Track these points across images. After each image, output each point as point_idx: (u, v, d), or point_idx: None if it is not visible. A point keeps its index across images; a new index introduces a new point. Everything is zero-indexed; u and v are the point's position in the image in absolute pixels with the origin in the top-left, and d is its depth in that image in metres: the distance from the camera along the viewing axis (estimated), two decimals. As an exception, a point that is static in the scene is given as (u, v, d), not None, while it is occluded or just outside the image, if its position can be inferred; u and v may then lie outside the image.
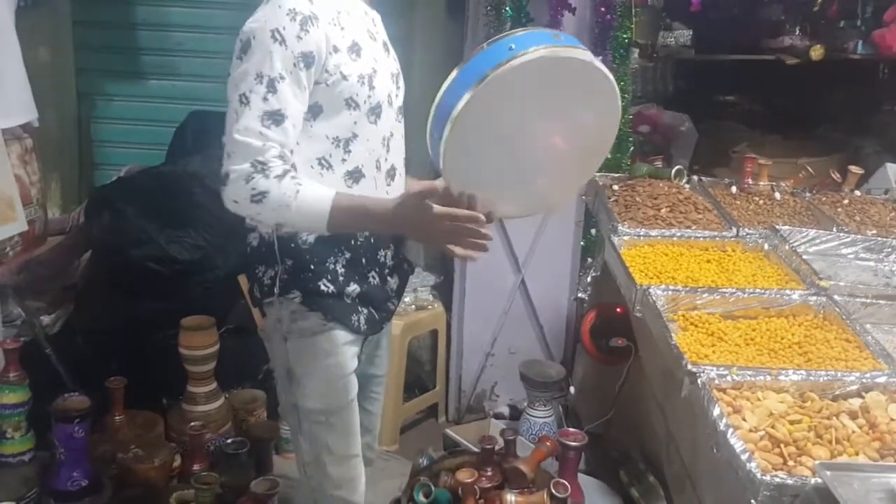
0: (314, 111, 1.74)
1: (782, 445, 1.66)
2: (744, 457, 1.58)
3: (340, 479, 1.92)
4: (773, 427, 1.70)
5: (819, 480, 1.47)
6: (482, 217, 1.70)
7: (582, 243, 3.37)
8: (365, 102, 1.79)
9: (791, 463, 1.62)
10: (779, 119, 4.78)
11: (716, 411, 1.71)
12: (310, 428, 1.88)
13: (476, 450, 2.69)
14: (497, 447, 2.35)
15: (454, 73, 1.68)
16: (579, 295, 3.42)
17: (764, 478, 1.52)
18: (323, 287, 1.81)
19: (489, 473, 2.30)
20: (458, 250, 1.73)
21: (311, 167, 1.77)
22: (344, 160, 1.80)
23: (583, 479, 2.53)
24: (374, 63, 1.82)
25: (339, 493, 1.93)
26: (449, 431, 2.97)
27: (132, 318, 2.96)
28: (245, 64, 1.66)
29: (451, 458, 2.49)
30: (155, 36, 3.75)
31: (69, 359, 3.02)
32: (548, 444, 2.42)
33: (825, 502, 1.43)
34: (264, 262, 1.84)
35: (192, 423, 2.68)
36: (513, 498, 2.24)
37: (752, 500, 1.53)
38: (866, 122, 4.29)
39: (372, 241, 1.88)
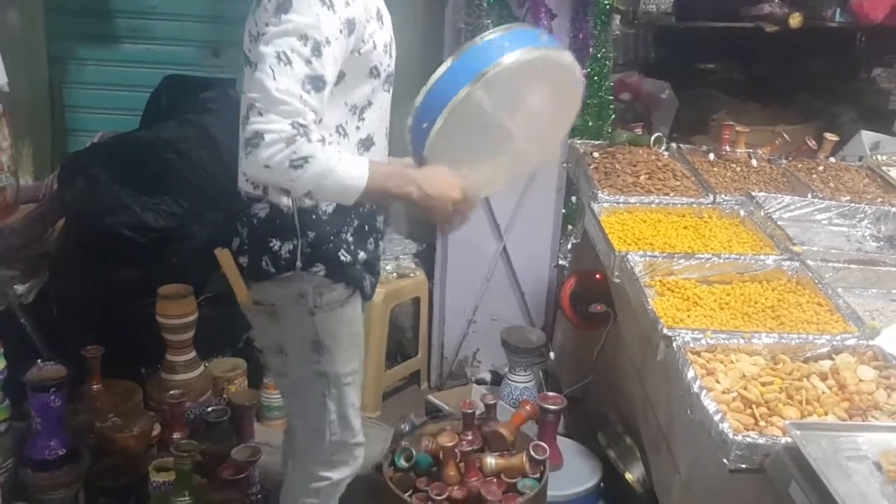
0: (337, 78, 1.70)
1: (754, 406, 1.69)
2: (716, 417, 1.61)
3: (358, 428, 2.03)
4: (745, 389, 1.73)
5: (789, 439, 1.50)
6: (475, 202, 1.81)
7: (563, 211, 3.38)
8: (384, 71, 1.81)
9: (762, 423, 1.65)
10: (758, 87, 4.80)
11: (690, 374, 1.74)
12: (338, 391, 1.95)
13: (457, 415, 2.72)
14: (478, 412, 2.37)
15: (449, 64, 1.72)
16: (560, 262, 3.44)
17: (736, 437, 1.55)
18: (342, 257, 1.85)
19: (470, 437, 2.32)
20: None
21: (329, 135, 1.73)
22: (358, 128, 1.81)
23: (562, 441, 2.57)
24: (390, 31, 1.84)
25: (357, 440, 2.03)
26: (431, 397, 2.99)
27: (108, 287, 2.93)
28: (286, 23, 1.60)
29: (432, 423, 2.51)
30: (128, -2, 3.68)
31: (44, 328, 3.00)
32: (527, 407, 2.45)
33: (794, 460, 1.46)
34: (278, 235, 1.81)
35: (172, 392, 2.68)
36: (493, 460, 2.28)
37: (724, 460, 1.56)
38: (843, 89, 4.32)
39: (374, 207, 1.91)
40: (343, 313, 1.89)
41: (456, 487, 2.21)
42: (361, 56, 1.73)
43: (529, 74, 1.75)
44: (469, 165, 1.80)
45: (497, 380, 3.32)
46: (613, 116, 3.40)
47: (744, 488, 1.63)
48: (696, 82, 4.84)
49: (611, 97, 3.41)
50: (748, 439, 1.55)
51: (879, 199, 2.65)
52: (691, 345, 1.85)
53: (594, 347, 2.76)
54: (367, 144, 1.85)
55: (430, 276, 3.37)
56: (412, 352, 3.46)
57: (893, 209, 2.54)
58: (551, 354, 3.05)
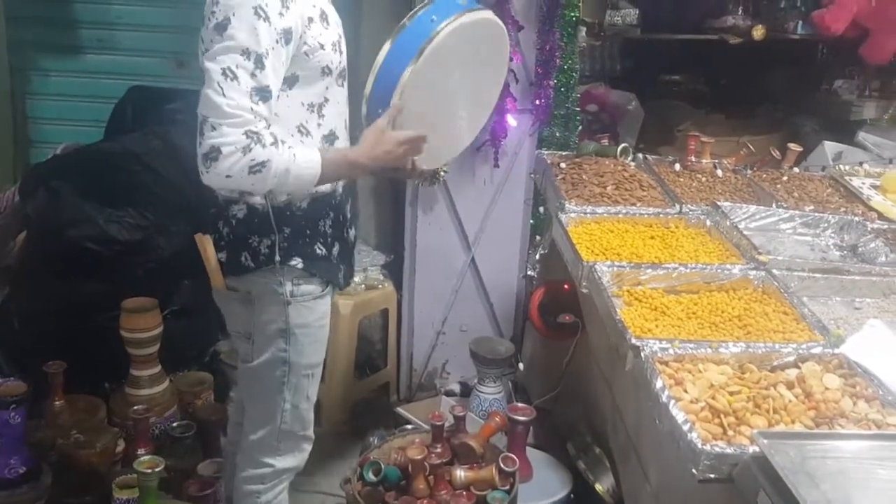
0: (290, 81, 1.81)
1: (722, 416, 1.69)
2: (685, 427, 1.61)
3: (309, 421, 2.10)
4: (713, 398, 1.74)
5: (757, 449, 1.51)
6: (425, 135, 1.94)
7: (531, 222, 3.39)
8: (336, 68, 1.91)
9: (731, 433, 1.65)
10: (722, 98, 4.87)
11: (658, 383, 1.74)
12: (297, 381, 2.02)
13: (426, 427, 2.70)
14: (447, 424, 2.36)
15: (387, 49, 1.91)
16: (528, 273, 3.44)
17: (704, 447, 1.55)
18: (318, 251, 1.96)
19: (439, 450, 2.30)
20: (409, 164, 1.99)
21: (292, 136, 1.85)
22: (319, 125, 1.90)
23: (531, 452, 2.57)
24: (338, 28, 1.94)
25: (306, 433, 2.10)
26: (400, 410, 2.97)
27: (71, 301, 2.89)
28: (227, 39, 1.68)
29: (400, 435, 2.49)
30: (92, 9, 3.63)
31: (5, 343, 2.94)
32: (497, 419, 2.43)
33: (762, 470, 1.46)
34: (257, 233, 1.90)
35: (136, 407, 2.63)
36: (462, 473, 2.25)
37: (693, 470, 1.56)
38: (806, 101, 4.39)
39: (344, 196, 2.02)
40: (315, 306, 1.99)
41: (425, 501, 2.19)
42: (311, 58, 1.83)
43: (460, 38, 1.93)
44: (428, 135, 1.95)
45: (466, 391, 3.31)
46: (580, 128, 3.43)
47: (713, 498, 1.63)
48: (662, 93, 4.90)
49: (577, 108, 3.43)
50: (717, 449, 1.55)
51: (843, 209, 2.69)
52: (659, 354, 1.85)
53: (563, 358, 2.76)
54: (330, 139, 1.95)
55: (398, 287, 3.36)
56: (381, 364, 3.44)
57: (856, 218, 2.57)
58: (520, 365, 3.05)
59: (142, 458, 2.09)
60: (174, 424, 2.73)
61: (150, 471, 2.02)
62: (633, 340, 1.89)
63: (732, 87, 4.91)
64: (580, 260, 2.24)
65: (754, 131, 4.09)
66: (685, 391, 1.76)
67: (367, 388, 3.38)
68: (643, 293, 2.15)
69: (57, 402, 2.68)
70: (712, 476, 1.55)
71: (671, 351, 1.87)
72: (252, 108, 1.68)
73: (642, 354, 1.85)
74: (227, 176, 1.68)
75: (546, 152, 3.05)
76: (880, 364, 1.84)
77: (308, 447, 2.12)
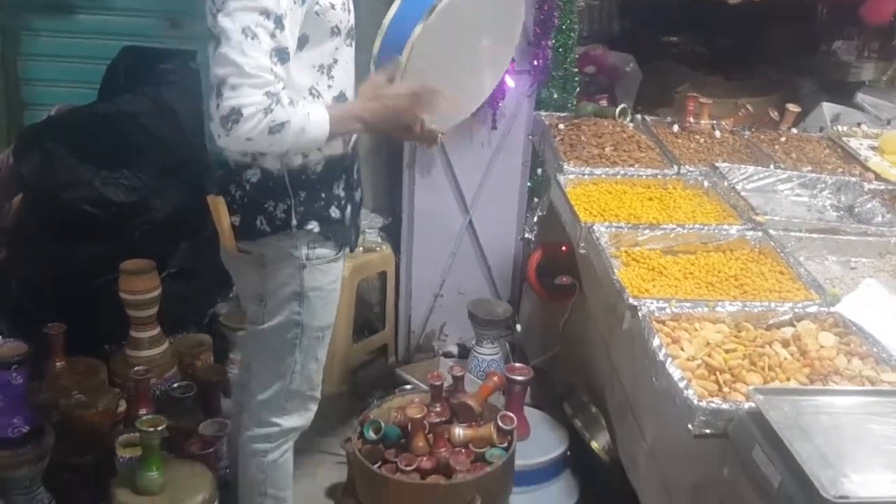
0: (301, 42, 1.79)
1: (718, 373, 1.72)
2: (681, 384, 1.63)
3: (316, 382, 2.13)
4: (709, 356, 1.76)
5: (752, 405, 1.53)
6: (435, 87, 1.88)
7: (529, 184, 3.38)
8: (345, 27, 1.89)
9: (726, 389, 1.68)
10: (720, 59, 4.83)
11: (655, 342, 1.76)
12: (308, 342, 2.04)
13: (424, 387, 2.73)
14: (446, 384, 2.38)
15: (397, 4, 1.89)
16: (526, 235, 3.45)
17: (700, 403, 1.57)
18: (333, 214, 1.97)
19: (438, 409, 2.33)
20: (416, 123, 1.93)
21: (304, 98, 1.82)
22: (329, 86, 1.89)
23: (528, 411, 2.59)
24: None
25: (312, 394, 2.13)
26: (398, 371, 2.99)
27: (69, 263, 2.89)
28: None
29: (400, 396, 2.51)
30: (83, -32, 3.58)
31: (3, 306, 2.94)
32: (495, 379, 2.45)
33: (757, 425, 1.48)
34: (272, 197, 1.90)
35: (137, 368, 2.65)
36: (461, 431, 2.28)
37: (689, 426, 1.59)
38: (804, 62, 4.37)
39: (352, 158, 2.03)
40: (329, 269, 2.00)
41: (425, 458, 2.22)
42: (321, 18, 1.80)
43: None
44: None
45: (464, 353, 3.33)
46: (578, 89, 3.41)
47: (708, 454, 1.66)
48: (660, 55, 4.85)
49: (575, 69, 3.41)
50: (712, 405, 1.57)
51: (840, 170, 2.69)
52: (656, 314, 1.87)
53: (560, 319, 2.78)
54: (340, 101, 1.93)
55: (396, 250, 3.36)
56: (379, 326, 3.46)
57: (853, 179, 2.58)
58: (518, 327, 3.07)
59: (144, 418, 2.11)
60: (174, 385, 2.75)
61: (152, 430, 2.04)
62: (631, 300, 1.90)
63: (731, 49, 4.87)
64: (578, 221, 2.24)
65: (753, 92, 4.07)
66: (682, 349, 1.78)
67: (366, 350, 3.40)
68: (640, 254, 2.16)
69: (58, 364, 2.69)
70: (708, 432, 1.58)
71: (668, 310, 1.89)
72: (272, 69, 1.65)
73: (639, 314, 1.86)
74: (248, 139, 1.67)
75: (544, 113, 3.04)
76: (875, 322, 1.86)
77: (314, 407, 2.15)
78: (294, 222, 1.91)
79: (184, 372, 2.92)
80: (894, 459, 1.38)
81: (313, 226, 1.94)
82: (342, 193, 2.01)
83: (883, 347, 1.77)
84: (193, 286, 3.13)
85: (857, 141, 2.94)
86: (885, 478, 1.33)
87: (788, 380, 1.71)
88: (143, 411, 2.60)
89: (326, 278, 2.01)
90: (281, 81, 1.68)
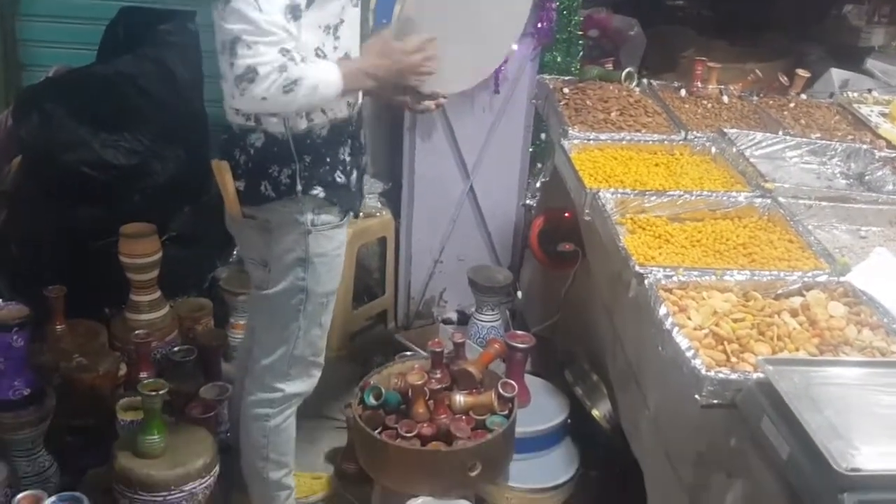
0: (308, 1, 1.74)
1: (726, 343, 1.70)
2: (688, 354, 1.61)
3: (320, 348, 2.13)
4: (717, 325, 1.73)
5: (761, 375, 1.52)
6: (434, 37, 1.85)
7: (530, 149, 3.34)
8: None
9: (734, 359, 1.66)
10: (726, 24, 4.75)
11: (662, 311, 1.74)
12: (313, 308, 2.02)
13: (424, 354, 2.72)
14: (446, 350, 2.37)
15: None
16: (527, 201, 3.42)
17: (708, 373, 1.55)
18: (338, 179, 1.95)
19: (438, 375, 2.32)
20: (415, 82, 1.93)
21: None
22: (335, 47, 1.85)
23: (529, 379, 2.59)
24: None
25: (317, 359, 2.13)
26: (398, 337, 2.98)
27: (68, 226, 2.87)
28: None
29: (400, 362, 2.50)
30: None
31: (2, 269, 2.92)
32: (496, 346, 2.45)
33: (766, 395, 1.47)
34: (277, 161, 1.88)
35: (137, 332, 2.63)
36: (461, 398, 2.28)
37: (697, 396, 1.57)
38: (812, 27, 4.30)
39: (358, 122, 2.00)
40: (334, 234, 1.99)
41: (425, 425, 2.22)
42: None
43: None
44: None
45: (464, 319, 3.32)
46: (581, 53, 3.35)
47: (712, 423, 1.64)
48: (664, 19, 4.78)
49: (580, 32, 3.35)
50: (720, 375, 1.55)
51: (850, 137, 2.65)
52: (663, 282, 1.84)
53: (562, 286, 2.76)
54: None
55: (396, 215, 3.33)
56: (378, 292, 3.44)
57: (864, 146, 2.54)
58: (518, 294, 3.05)
59: (145, 381, 2.10)
60: (175, 349, 2.74)
61: (154, 393, 2.03)
62: (637, 268, 1.88)
63: (737, 13, 4.79)
64: (583, 187, 2.21)
65: (759, 58, 4.00)
66: (689, 318, 1.76)
67: (365, 315, 3.39)
68: (647, 221, 2.13)
69: (58, 327, 2.68)
70: (715, 402, 1.56)
71: (675, 278, 1.86)
72: (285, 26, 1.64)
73: (646, 282, 1.84)
74: (263, 98, 1.65)
75: (548, 77, 2.99)
76: (886, 292, 1.83)
77: (317, 373, 2.15)
78: (299, 187, 1.89)
79: (184, 336, 2.91)
80: (906, 431, 1.36)
81: (318, 191, 1.92)
82: (348, 158, 1.98)
83: (894, 318, 1.75)
84: (193, 250, 3.11)
85: (868, 108, 2.89)
86: None
87: (797, 350, 1.69)
88: (143, 375, 2.59)
89: (331, 244, 1.99)
90: (294, 39, 1.65)
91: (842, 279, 1.89)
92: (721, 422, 1.62)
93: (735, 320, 1.76)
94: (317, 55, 1.82)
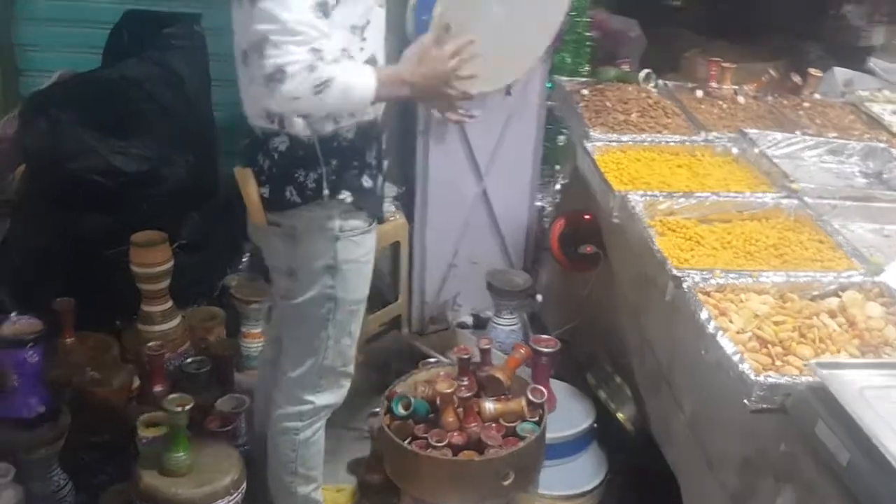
0: (336, 1, 1.71)
1: (769, 346, 1.68)
2: (735, 358, 1.59)
3: (350, 357, 2.08)
4: (759, 328, 1.72)
5: (813, 379, 1.50)
6: (473, 39, 1.79)
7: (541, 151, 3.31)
8: None
9: (778, 363, 1.64)
10: (725, 24, 4.75)
11: (703, 314, 1.72)
12: (342, 317, 1.98)
13: (446, 360, 2.69)
14: (473, 357, 2.33)
15: None
16: (538, 203, 3.40)
17: (758, 378, 1.54)
18: (366, 183, 1.90)
19: (466, 383, 2.29)
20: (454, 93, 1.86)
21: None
22: (362, 49, 1.80)
23: (554, 383, 2.56)
24: None
25: (346, 370, 2.08)
26: (416, 343, 2.95)
27: (75, 235, 2.81)
28: None
29: (425, 369, 2.47)
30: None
31: (7, 279, 2.86)
32: (522, 351, 2.42)
33: (821, 399, 1.45)
34: (303, 166, 1.84)
35: (151, 343, 2.57)
36: (491, 405, 2.25)
37: (745, 401, 1.55)
38: (811, 26, 4.31)
39: (382, 125, 1.96)
40: (363, 240, 1.95)
41: (456, 433, 2.18)
42: None
43: None
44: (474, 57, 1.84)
45: (479, 323, 3.29)
46: (590, 54, 3.34)
47: (762, 428, 1.63)
48: (663, 20, 4.77)
49: (588, 34, 3.34)
50: (770, 380, 1.54)
51: (866, 136, 2.65)
52: (701, 285, 1.83)
53: (581, 289, 2.74)
54: (371, 64, 1.85)
55: (409, 219, 3.29)
56: (391, 297, 3.40)
57: (881, 145, 2.54)
58: (538, 297, 3.03)
59: (171, 397, 2.05)
60: (188, 360, 2.68)
61: (180, 409, 1.98)
62: (675, 271, 1.86)
63: (736, 13, 4.80)
64: (611, 189, 2.19)
65: (759, 57, 4.01)
66: (730, 322, 1.75)
67: (379, 321, 3.33)
68: (676, 223, 2.12)
69: (68, 340, 2.62)
70: (764, 406, 1.55)
71: (713, 281, 1.84)
72: (314, 24, 1.60)
73: (684, 285, 1.82)
74: (294, 98, 1.61)
75: (565, 79, 2.97)
76: (922, 292, 1.83)
77: (347, 383, 2.11)
78: (326, 192, 1.85)
79: (196, 346, 2.86)
80: (971, 435, 1.35)
81: (346, 195, 1.88)
82: (374, 162, 1.94)
83: (932, 318, 1.74)
84: (203, 258, 3.06)
85: (880, 106, 2.90)
86: (960, 453, 1.31)
87: (839, 352, 1.68)
88: (158, 388, 2.54)
89: (360, 250, 1.96)
90: (324, 37, 1.62)
91: (876, 279, 1.88)
92: (770, 426, 1.61)
93: (776, 323, 1.75)
94: (343, 55, 1.77)
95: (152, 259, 2.67)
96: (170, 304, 2.78)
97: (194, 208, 2.98)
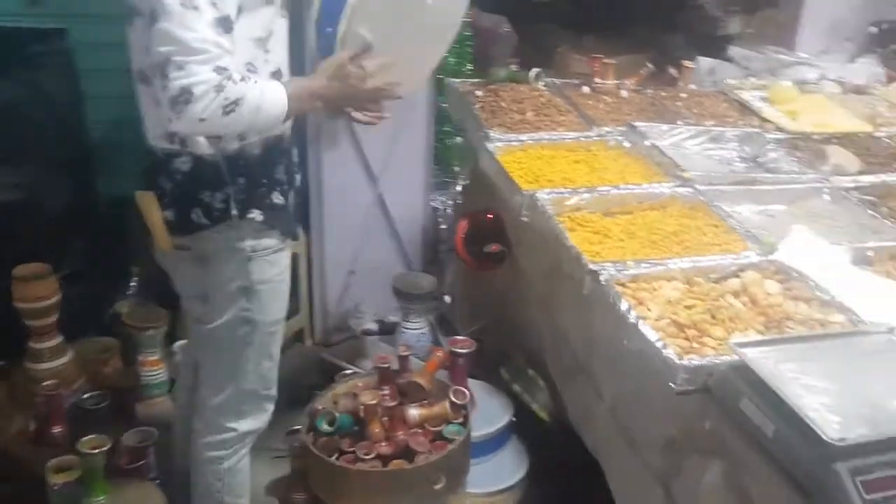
0: (238, 12, 1.65)
1: (686, 329, 1.76)
2: (658, 345, 1.66)
3: (272, 380, 2.04)
4: (675, 314, 1.80)
5: (730, 357, 1.59)
6: (393, 61, 1.80)
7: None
8: None
9: (696, 345, 1.73)
10: (591, 18, 4.92)
11: (623, 306, 1.79)
12: (261, 339, 1.94)
13: (362, 370, 2.66)
14: (393, 366, 2.33)
15: None
16: (432, 204, 3.42)
17: (682, 362, 1.61)
18: (276, 200, 1.85)
19: (387, 392, 2.28)
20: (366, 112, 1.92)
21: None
22: (266, 61, 1.75)
23: (470, 382, 2.58)
24: None
25: (268, 393, 2.04)
26: (324, 355, 2.90)
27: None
28: None
29: (343, 382, 2.44)
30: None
31: None
32: (439, 354, 2.43)
33: (743, 377, 1.54)
34: (209, 186, 1.78)
35: (46, 383, 2.41)
36: (415, 412, 2.25)
37: (672, 384, 1.62)
38: (673, 18, 4.53)
39: (291, 139, 1.92)
40: (277, 259, 1.91)
41: (383, 444, 2.17)
42: None
43: None
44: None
45: (385, 329, 3.27)
46: (471, 54, 3.38)
47: (685, 409, 1.71)
48: (530, 16, 4.88)
49: (469, 33, 3.37)
50: (693, 362, 1.61)
51: (741, 122, 2.83)
52: (617, 277, 1.89)
53: (487, 288, 2.78)
54: (277, 77, 1.81)
55: (306, 229, 3.23)
56: (292, 310, 3.32)
57: (755, 130, 2.71)
58: (446, 298, 3.05)
59: (84, 439, 1.93)
60: (85, 396, 2.54)
61: (96, 451, 1.87)
62: (591, 266, 1.92)
63: (600, 7, 4.97)
64: (519, 189, 2.23)
65: (625, 50, 4.18)
66: (648, 310, 1.82)
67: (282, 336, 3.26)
68: (583, 218, 2.18)
69: (-51, 388, 2.42)
70: (690, 388, 1.62)
71: (626, 272, 1.91)
72: (217, 42, 1.54)
73: (601, 278, 1.88)
74: (202, 119, 1.54)
75: (457, 81, 2.99)
76: (811, 267, 1.97)
77: (271, 407, 2.05)
78: (234, 212, 1.79)
79: (92, 380, 2.70)
80: (881, 397, 1.47)
81: (256, 214, 1.82)
82: (284, 177, 1.90)
83: (824, 290, 1.88)
84: (89, 287, 2.89)
85: (748, 93, 3.09)
86: (877, 416, 1.42)
87: (747, 329, 1.78)
88: (56, 429, 2.41)
89: (274, 269, 1.91)
90: (228, 54, 1.56)
91: (770, 258, 2.01)
92: (693, 406, 1.69)
93: (687, 307, 1.84)
94: (248, 70, 1.72)
95: (38, 293, 2.50)
96: (59, 338, 2.61)
97: (76, 235, 2.81)
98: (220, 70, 1.53)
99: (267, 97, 1.64)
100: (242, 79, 1.59)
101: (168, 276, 2.05)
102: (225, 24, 1.57)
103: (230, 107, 1.55)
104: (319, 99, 1.79)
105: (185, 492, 2.13)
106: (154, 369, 2.86)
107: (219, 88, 1.53)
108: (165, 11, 1.51)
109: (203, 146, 1.75)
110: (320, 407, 2.27)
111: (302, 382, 2.82)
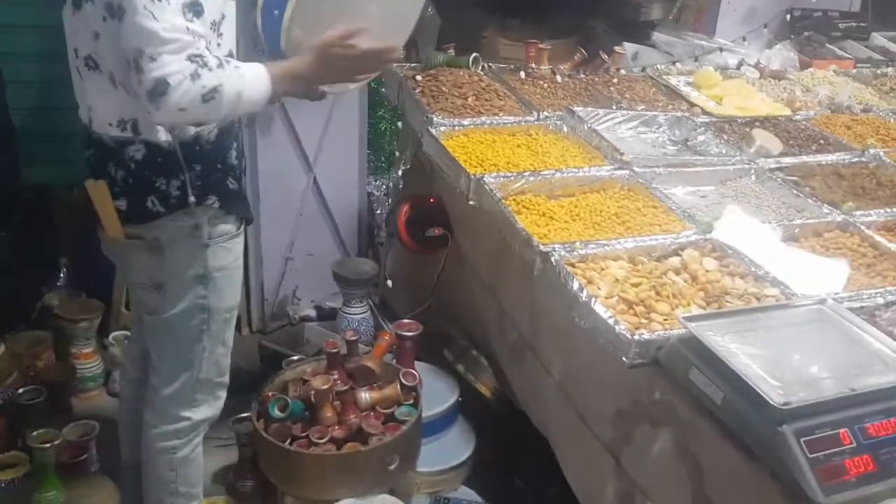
0: None
1: (634, 306, 1.85)
2: (610, 322, 1.73)
3: (225, 367, 2.04)
4: (623, 291, 1.88)
5: (678, 331, 1.68)
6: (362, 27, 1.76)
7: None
8: None
9: (644, 320, 1.81)
10: (514, 2, 4.96)
11: (575, 285, 1.85)
12: (217, 326, 1.93)
13: (312, 357, 2.66)
14: (342, 350, 2.34)
15: None
16: (368, 189, 3.43)
17: (634, 337, 1.69)
18: (231, 185, 1.84)
19: (336, 376, 2.29)
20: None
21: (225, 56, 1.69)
22: (219, 44, 1.73)
23: (416, 364, 2.62)
24: None
25: (222, 380, 2.04)
26: (266, 343, 2.88)
27: None
28: None
29: (290, 368, 2.43)
30: None
31: None
32: (387, 338, 2.46)
33: (692, 349, 1.62)
34: (164, 174, 1.75)
35: (-23, 380, 2.33)
36: (366, 395, 2.27)
37: (624, 358, 1.70)
38: (596, 3, 4.62)
39: (240, 123, 1.91)
40: (233, 246, 1.91)
41: (336, 428, 2.19)
42: None
43: None
44: None
45: (323, 315, 3.28)
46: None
47: (634, 381, 1.79)
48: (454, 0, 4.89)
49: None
50: (644, 337, 1.69)
51: (670, 107, 2.93)
52: (567, 258, 1.96)
53: (432, 271, 2.81)
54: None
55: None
56: (228, 297, 3.28)
57: (684, 115, 2.82)
58: (389, 283, 3.07)
59: (35, 434, 1.87)
60: (20, 391, 2.46)
61: (47, 445, 1.82)
62: (542, 247, 1.97)
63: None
64: (465, 173, 2.27)
65: (550, 35, 4.25)
66: (598, 289, 1.89)
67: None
68: (529, 201, 2.24)
69: None
70: (641, 362, 1.70)
71: (576, 253, 1.98)
72: (188, 28, 1.52)
73: (552, 259, 1.94)
74: (181, 109, 1.52)
75: (395, 65, 2.99)
76: (745, 244, 2.08)
77: (223, 395, 2.04)
78: (192, 199, 1.78)
79: (25, 375, 2.62)
80: (821, 363, 1.58)
81: (213, 200, 1.82)
82: (236, 162, 1.89)
83: (758, 266, 1.99)
84: (16, 280, 2.78)
85: (675, 78, 3.21)
86: (813, 380, 1.53)
87: (689, 304, 1.87)
88: (-9, 427, 2.30)
89: (230, 256, 1.90)
90: (201, 39, 1.55)
91: (707, 236, 2.11)
92: (641, 379, 1.77)
93: (634, 285, 1.92)
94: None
95: (-36, 288, 2.40)
96: (-12, 334, 2.51)
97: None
98: (193, 58, 1.52)
99: (248, 82, 1.63)
100: (220, 65, 1.57)
101: (98, 267, 2.02)
102: (195, 9, 1.55)
103: (209, 94, 1.54)
104: (302, 79, 1.77)
105: (133, 484, 2.09)
106: (88, 362, 2.81)
107: (194, 77, 1.51)
108: (132, 5, 1.49)
109: (161, 134, 1.72)
110: (270, 394, 2.26)
111: (242, 370, 2.79)
